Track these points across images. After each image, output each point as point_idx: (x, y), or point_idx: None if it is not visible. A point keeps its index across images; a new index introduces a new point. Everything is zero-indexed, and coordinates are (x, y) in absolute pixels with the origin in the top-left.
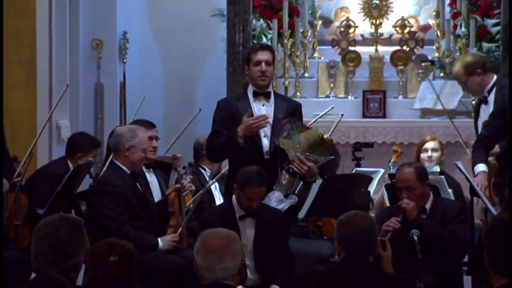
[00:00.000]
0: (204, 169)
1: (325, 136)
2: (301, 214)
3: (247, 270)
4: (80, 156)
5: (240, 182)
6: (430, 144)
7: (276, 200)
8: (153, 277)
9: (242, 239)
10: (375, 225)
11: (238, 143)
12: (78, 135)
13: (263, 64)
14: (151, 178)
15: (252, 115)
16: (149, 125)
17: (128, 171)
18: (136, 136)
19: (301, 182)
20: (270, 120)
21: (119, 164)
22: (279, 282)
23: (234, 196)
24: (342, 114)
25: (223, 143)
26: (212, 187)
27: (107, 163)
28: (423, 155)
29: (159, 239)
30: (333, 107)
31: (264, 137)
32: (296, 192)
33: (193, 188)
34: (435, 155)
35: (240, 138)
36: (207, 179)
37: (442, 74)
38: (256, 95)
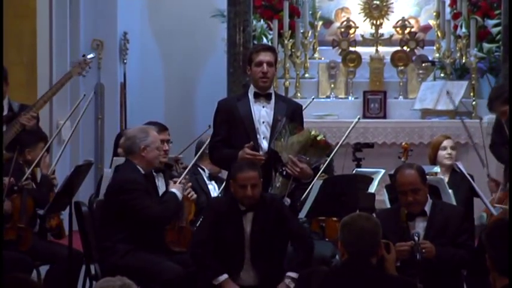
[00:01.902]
0: (203, 169)
1: (319, 137)
2: (302, 214)
3: (244, 265)
4: (29, 152)
5: (232, 173)
6: (448, 142)
7: None
8: (153, 286)
9: (245, 233)
10: (378, 226)
11: None
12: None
13: (265, 65)
14: (160, 183)
15: (253, 147)
16: (161, 127)
17: (143, 172)
18: (149, 135)
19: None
20: (270, 121)
21: (136, 165)
22: (295, 265)
23: None
24: (359, 118)
25: (225, 158)
26: (211, 189)
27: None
28: (442, 153)
29: (173, 190)
30: (313, 98)
31: (264, 138)
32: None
33: (195, 196)
34: (454, 152)
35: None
36: (205, 179)
37: (442, 75)
38: (256, 96)
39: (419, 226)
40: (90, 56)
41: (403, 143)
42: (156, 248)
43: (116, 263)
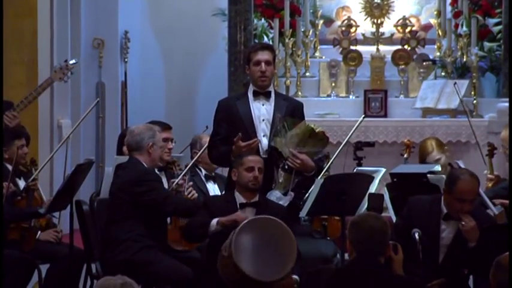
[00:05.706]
0: (200, 170)
1: (317, 130)
2: (303, 213)
3: None
4: (5, 151)
5: (237, 161)
6: (433, 156)
7: (274, 198)
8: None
9: None
10: (387, 226)
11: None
12: None
13: (263, 64)
14: (163, 180)
15: (242, 139)
16: (166, 126)
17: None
18: (156, 134)
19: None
20: (270, 119)
21: (141, 162)
22: None
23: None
24: (364, 117)
25: (223, 155)
26: (210, 189)
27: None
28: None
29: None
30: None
31: (264, 136)
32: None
33: (196, 195)
34: (443, 157)
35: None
36: (203, 179)
37: (443, 74)
38: (256, 94)
39: (449, 229)
40: (72, 61)
41: (405, 140)
42: (163, 246)
43: (127, 259)
